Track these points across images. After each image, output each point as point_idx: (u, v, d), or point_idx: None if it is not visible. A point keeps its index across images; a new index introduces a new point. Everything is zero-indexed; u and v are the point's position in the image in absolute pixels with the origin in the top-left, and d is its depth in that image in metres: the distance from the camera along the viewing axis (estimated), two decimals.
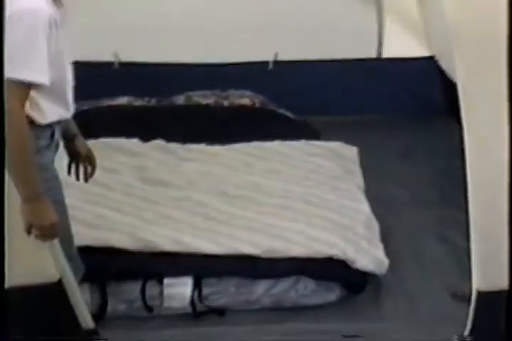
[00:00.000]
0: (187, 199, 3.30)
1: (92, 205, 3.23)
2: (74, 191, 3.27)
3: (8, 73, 1.98)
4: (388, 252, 3.07)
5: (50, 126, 2.31)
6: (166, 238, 2.92)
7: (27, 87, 2.09)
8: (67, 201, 2.50)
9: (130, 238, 2.91)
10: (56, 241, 2.32)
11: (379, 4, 4.66)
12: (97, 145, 3.80)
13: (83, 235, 2.80)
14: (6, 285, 2.03)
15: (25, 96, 2.11)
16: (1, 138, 1.72)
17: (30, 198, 2.18)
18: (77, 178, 2.64)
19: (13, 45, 1.98)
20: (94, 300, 2.80)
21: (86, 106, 4.44)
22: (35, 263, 2.33)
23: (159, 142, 3.91)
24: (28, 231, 2.22)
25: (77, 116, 4.21)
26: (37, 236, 2.23)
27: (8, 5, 1.94)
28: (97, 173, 3.51)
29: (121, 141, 3.89)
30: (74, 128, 2.59)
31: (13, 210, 2.15)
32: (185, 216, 3.14)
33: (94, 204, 3.24)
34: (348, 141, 4.04)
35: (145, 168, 3.63)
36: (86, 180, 2.65)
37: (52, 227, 2.23)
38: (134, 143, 3.90)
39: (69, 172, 2.62)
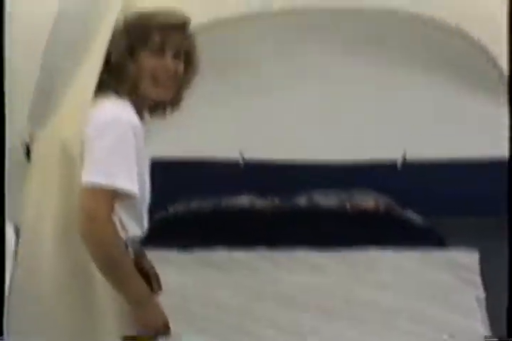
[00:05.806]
0: (281, 317, 3.08)
1: None
2: None
3: (99, 180, 1.90)
4: None
5: (125, 242, 2.15)
6: None
7: (116, 196, 1.95)
8: None
9: None
10: None
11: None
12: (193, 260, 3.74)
13: None
14: None
15: (113, 207, 1.95)
16: (1, 138, 1.65)
17: (136, 303, 1.99)
18: None
19: (102, 154, 1.92)
20: None
21: (206, 204, 4.39)
22: None
23: (264, 253, 3.75)
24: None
25: (197, 218, 4.22)
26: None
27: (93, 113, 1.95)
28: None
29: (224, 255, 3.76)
30: (138, 246, 2.33)
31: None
32: (276, 337, 2.91)
33: None
34: (477, 245, 3.78)
35: (245, 284, 3.45)
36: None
37: (165, 327, 2.04)
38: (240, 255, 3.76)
39: None
